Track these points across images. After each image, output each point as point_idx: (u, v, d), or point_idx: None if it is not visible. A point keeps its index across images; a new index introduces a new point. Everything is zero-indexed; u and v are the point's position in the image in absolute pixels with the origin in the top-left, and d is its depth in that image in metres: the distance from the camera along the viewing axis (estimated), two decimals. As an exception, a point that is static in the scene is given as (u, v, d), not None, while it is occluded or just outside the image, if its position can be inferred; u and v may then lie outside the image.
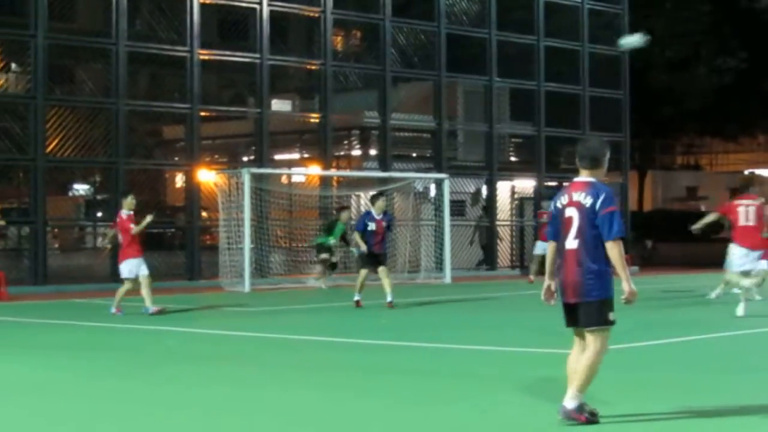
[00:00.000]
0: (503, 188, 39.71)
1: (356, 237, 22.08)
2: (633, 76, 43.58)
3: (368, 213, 22.11)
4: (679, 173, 65.80)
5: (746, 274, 19.64)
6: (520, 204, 40.58)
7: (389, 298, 21.23)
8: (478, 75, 38.80)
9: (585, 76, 41.38)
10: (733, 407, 9.49)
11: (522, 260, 39.30)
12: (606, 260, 8.68)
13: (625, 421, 8.88)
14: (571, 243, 8.79)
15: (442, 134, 37.33)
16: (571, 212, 8.82)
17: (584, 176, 8.94)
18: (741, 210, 19.50)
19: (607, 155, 9.05)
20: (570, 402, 8.67)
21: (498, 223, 39.00)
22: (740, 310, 18.40)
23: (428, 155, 38.81)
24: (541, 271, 31.57)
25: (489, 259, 38.58)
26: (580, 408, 8.68)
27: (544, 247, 32.73)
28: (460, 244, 37.50)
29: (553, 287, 8.95)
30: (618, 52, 38.53)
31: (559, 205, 8.95)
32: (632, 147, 45.31)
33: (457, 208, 37.40)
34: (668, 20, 52.96)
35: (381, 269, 21.48)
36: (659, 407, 9.32)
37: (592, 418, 8.69)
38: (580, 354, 8.80)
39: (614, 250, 8.61)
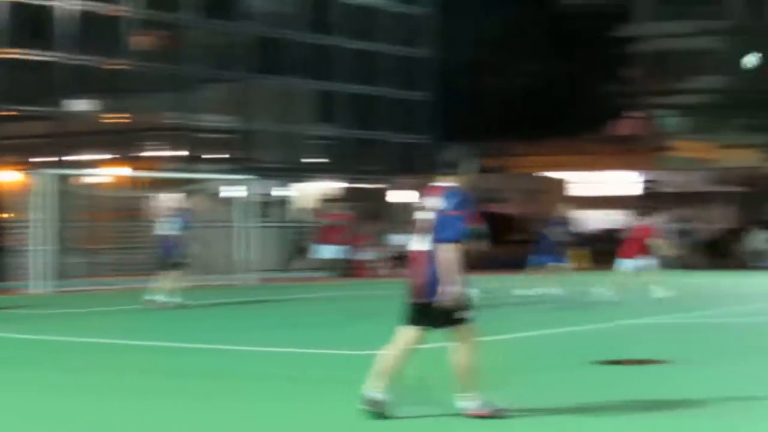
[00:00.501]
0: (308, 189, 39.90)
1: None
2: (440, 78, 44.33)
3: (173, 215, 22.03)
4: (482, 175, 67.03)
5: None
6: (324, 206, 40.79)
7: (165, 299, 21.31)
8: (285, 76, 38.93)
9: (389, 77, 41.91)
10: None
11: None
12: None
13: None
14: (423, 245, 8.96)
15: (248, 135, 37.34)
16: (425, 215, 9.01)
17: (442, 181, 9.13)
18: None
19: (470, 161, 9.24)
20: (465, 402, 8.92)
21: (302, 224, 39.12)
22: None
23: (234, 156, 38.76)
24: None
25: (297, 260, 38.71)
26: (485, 405, 8.93)
27: (331, 251, 33.21)
28: (267, 245, 37.51)
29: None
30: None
31: (419, 207, 9.14)
32: (437, 149, 46.05)
33: (264, 209, 37.37)
34: (476, 23, 54.02)
35: (171, 271, 21.52)
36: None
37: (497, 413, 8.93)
38: (398, 349, 8.99)
39: (447, 252, 8.76)
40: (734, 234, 43.17)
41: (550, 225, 27.68)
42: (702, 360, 13.11)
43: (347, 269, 37.37)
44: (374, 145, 42.46)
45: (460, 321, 8.95)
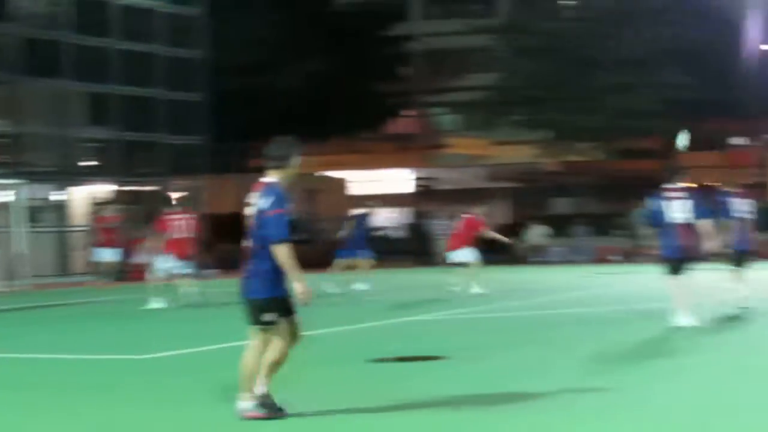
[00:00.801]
0: (80, 193, 39.02)
1: None
2: (212, 79, 43.97)
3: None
4: (256, 176, 66.77)
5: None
6: (97, 209, 40.04)
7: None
8: (56, 79, 37.96)
9: (162, 79, 41.37)
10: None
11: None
12: (272, 261, 8.68)
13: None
14: (247, 242, 8.86)
15: (18, 139, 36.26)
16: (249, 212, 8.91)
17: (267, 177, 9.02)
18: None
19: (294, 155, 9.10)
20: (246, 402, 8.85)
21: (73, 228, 38.28)
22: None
23: (4, 161, 37.60)
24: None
25: (64, 264, 37.82)
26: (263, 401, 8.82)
27: (107, 254, 32.64)
28: (42, 250, 36.53)
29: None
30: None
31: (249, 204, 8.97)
32: (212, 150, 45.65)
33: (39, 213, 36.46)
34: (249, 24, 53.82)
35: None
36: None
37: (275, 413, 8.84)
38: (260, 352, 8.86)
39: (279, 252, 8.64)
40: (510, 229, 44.11)
41: (356, 220, 28.03)
42: (482, 354, 13.26)
43: (123, 273, 36.80)
44: (148, 147, 41.83)
45: (265, 323, 8.81)
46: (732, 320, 16.70)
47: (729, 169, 64.62)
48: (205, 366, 12.83)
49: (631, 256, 42.40)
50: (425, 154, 71.58)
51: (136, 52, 40.54)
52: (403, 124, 74.09)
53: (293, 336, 8.92)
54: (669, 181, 16.31)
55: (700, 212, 16.14)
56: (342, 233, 28.35)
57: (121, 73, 39.71)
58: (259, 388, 8.88)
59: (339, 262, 27.52)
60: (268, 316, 8.78)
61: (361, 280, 26.98)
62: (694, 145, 62.23)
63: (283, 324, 8.83)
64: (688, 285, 16.13)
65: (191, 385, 11.18)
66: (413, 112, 74.80)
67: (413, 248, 47.92)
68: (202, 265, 39.59)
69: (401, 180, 69.16)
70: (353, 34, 61.11)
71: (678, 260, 15.99)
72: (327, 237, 54.10)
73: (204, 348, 14.83)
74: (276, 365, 8.89)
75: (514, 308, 20.43)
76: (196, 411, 9.63)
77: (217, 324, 19.03)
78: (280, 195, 8.87)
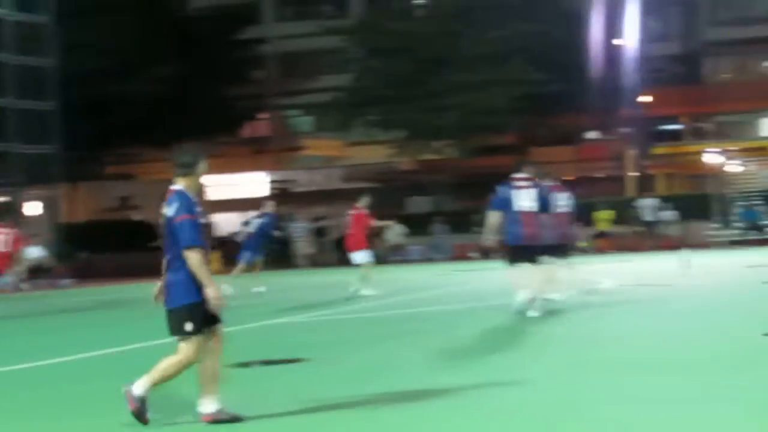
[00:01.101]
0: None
1: None
2: (64, 87, 43.26)
3: None
4: (111, 183, 65.81)
5: None
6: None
7: None
8: None
9: (12, 88, 40.60)
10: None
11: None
12: (186, 269, 8.63)
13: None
14: (166, 252, 8.82)
15: None
16: (162, 221, 8.88)
17: (175, 184, 8.92)
18: None
19: (201, 163, 8.99)
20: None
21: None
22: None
23: None
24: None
25: None
26: (140, 401, 8.78)
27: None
28: None
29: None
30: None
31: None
32: (64, 158, 44.93)
33: None
34: (98, 31, 53.05)
35: None
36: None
37: (139, 416, 8.77)
38: (207, 359, 8.82)
39: (189, 259, 8.59)
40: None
41: (254, 221, 28.15)
42: (342, 355, 13.34)
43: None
44: (0, 157, 41.02)
45: (187, 332, 8.73)
46: (566, 312, 17.15)
47: (583, 162, 66.16)
48: (57, 379, 12.64)
49: (488, 252, 42.96)
50: (281, 157, 71.57)
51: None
52: (258, 127, 73.95)
53: (213, 347, 8.92)
54: (518, 170, 16.86)
55: (543, 204, 16.80)
56: (240, 235, 28.58)
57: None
58: (140, 389, 8.82)
59: (240, 264, 27.64)
60: (189, 326, 8.70)
61: (260, 283, 27.05)
62: (549, 140, 63.57)
63: (203, 335, 8.78)
64: (532, 273, 16.69)
65: (46, 399, 11.01)
66: (268, 115, 74.69)
67: (272, 250, 47.71)
68: (56, 275, 39.09)
69: (258, 183, 68.93)
70: (206, 38, 60.69)
71: (521, 248, 16.52)
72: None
73: (57, 360, 14.52)
74: (169, 377, 8.87)
75: (375, 308, 20.53)
76: (50, 424, 9.50)
77: (69, 335, 18.73)
78: (187, 201, 8.81)
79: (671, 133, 63.41)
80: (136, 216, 57.11)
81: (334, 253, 46.77)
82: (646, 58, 55.72)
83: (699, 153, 57.45)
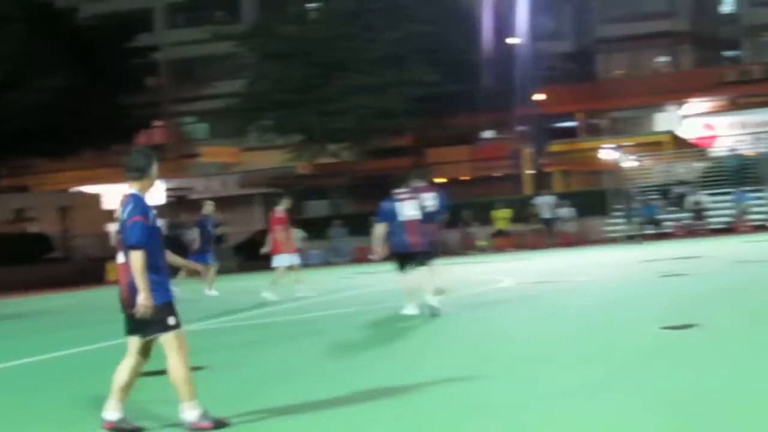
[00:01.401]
0: None
1: None
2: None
3: None
4: (6, 195, 64.81)
5: None
6: None
7: None
8: None
9: None
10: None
11: None
12: (155, 270, 8.70)
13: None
14: (121, 257, 8.88)
15: None
16: (115, 226, 9.08)
17: (128, 188, 8.98)
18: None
19: (153, 165, 9.02)
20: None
21: None
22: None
23: None
24: None
25: None
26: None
27: None
28: None
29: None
30: None
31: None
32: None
33: None
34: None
35: None
36: None
37: (218, 424, 8.77)
38: (129, 363, 8.89)
39: (132, 258, 8.62)
40: (264, 235, 44.16)
41: (199, 225, 28.08)
42: (239, 362, 13.25)
43: None
44: None
45: (171, 327, 8.76)
46: (460, 312, 17.29)
47: (480, 162, 66.64)
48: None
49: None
50: (177, 164, 71.04)
51: None
52: (154, 135, 73.33)
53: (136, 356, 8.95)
54: (402, 184, 17.99)
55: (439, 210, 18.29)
56: (190, 238, 28.62)
57: None
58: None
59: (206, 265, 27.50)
60: (172, 319, 8.77)
61: (210, 287, 27.42)
62: (445, 141, 63.91)
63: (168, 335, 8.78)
64: (417, 278, 17.37)
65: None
66: (163, 123, 74.15)
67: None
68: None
69: (154, 191, 68.29)
70: (98, 47, 59.94)
71: (405, 255, 17.59)
72: (83, 253, 53.07)
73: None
74: (184, 378, 8.80)
75: (276, 313, 20.44)
76: None
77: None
78: (138, 203, 8.82)
79: (566, 131, 64.15)
80: (32, 228, 56.28)
81: (233, 259, 46.50)
82: (539, 57, 56.28)
83: (594, 149, 58.16)
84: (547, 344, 12.50)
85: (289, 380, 11.30)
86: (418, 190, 17.88)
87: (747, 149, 53.58)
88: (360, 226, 47.26)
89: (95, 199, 67.38)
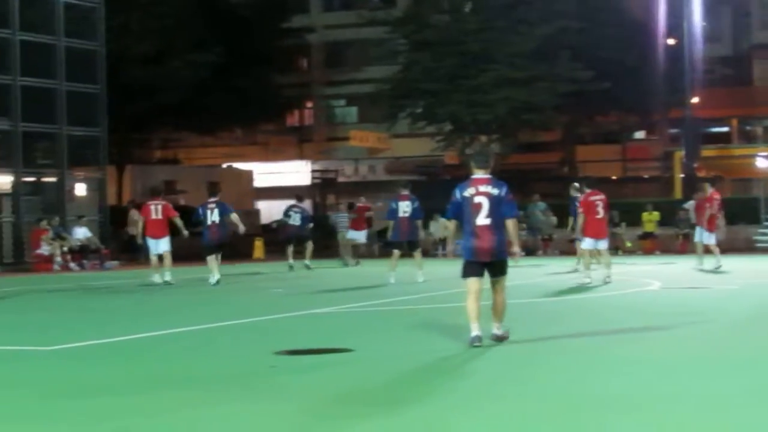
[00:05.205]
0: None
1: None
2: (109, 70, 43.33)
3: None
4: (157, 167, 66.17)
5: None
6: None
7: None
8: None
9: (62, 70, 40.75)
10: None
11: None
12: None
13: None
14: (484, 220, 12.19)
15: None
16: (480, 199, 12.21)
17: (482, 173, 12.43)
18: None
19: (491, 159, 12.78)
20: (498, 330, 12.58)
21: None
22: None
23: None
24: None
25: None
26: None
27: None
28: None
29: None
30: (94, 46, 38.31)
31: (467, 194, 12.30)
32: (110, 142, 45.00)
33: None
34: (142, 14, 53.19)
35: None
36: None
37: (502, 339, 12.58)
38: (478, 298, 12.29)
39: (514, 224, 12.49)
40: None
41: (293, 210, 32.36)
42: (387, 347, 13.25)
43: (26, 263, 36.93)
44: (47, 138, 41.18)
45: (506, 272, 12.77)
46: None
47: (629, 162, 65.87)
48: (119, 356, 12.55)
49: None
50: (324, 146, 71.62)
51: (34, 43, 39.86)
52: (302, 116, 74.08)
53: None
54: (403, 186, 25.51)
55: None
56: (285, 222, 33.41)
57: (22, 64, 39.14)
58: (498, 330, 12.71)
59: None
60: (505, 270, 12.73)
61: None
62: (593, 138, 63.31)
63: None
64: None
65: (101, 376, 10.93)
66: (312, 105, 74.82)
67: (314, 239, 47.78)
68: (103, 257, 39.29)
69: (300, 172, 69.03)
70: (251, 25, 60.61)
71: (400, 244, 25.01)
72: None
73: (115, 339, 14.43)
74: (498, 310, 12.75)
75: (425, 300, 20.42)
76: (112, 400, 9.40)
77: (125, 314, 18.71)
78: (507, 185, 12.56)
79: (719, 136, 62.93)
80: (181, 200, 57.27)
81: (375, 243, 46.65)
82: (694, 59, 55.26)
83: (748, 156, 56.90)
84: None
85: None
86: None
87: None
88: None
89: (246, 175, 68.26)
